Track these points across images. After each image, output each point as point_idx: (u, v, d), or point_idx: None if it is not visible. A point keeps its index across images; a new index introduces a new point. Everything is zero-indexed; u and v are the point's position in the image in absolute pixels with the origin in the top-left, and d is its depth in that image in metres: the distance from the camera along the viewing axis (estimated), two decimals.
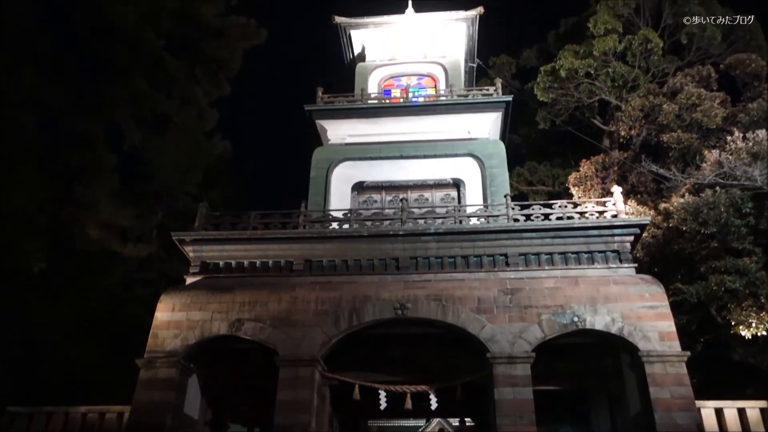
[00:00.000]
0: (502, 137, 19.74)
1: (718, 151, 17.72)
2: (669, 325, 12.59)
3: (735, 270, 15.52)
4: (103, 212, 20.23)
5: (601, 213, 14.58)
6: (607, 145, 25.54)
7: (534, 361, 12.55)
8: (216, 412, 15.13)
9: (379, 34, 23.30)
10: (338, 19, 23.26)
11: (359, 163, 18.61)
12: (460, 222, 14.96)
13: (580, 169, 23.40)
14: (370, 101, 19.84)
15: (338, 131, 19.41)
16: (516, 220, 14.56)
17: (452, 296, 13.38)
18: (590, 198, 20.60)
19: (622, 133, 23.20)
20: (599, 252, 14.07)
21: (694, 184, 17.78)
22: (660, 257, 17.81)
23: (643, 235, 15.50)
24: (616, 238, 14.06)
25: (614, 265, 13.85)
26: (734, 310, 15.21)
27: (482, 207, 15.57)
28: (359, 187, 18.78)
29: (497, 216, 14.86)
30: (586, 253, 14.09)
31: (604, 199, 15.29)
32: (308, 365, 12.96)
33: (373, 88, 21.73)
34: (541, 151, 30.10)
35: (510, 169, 20.85)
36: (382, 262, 14.54)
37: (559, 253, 14.13)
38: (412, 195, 18.49)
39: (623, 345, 12.90)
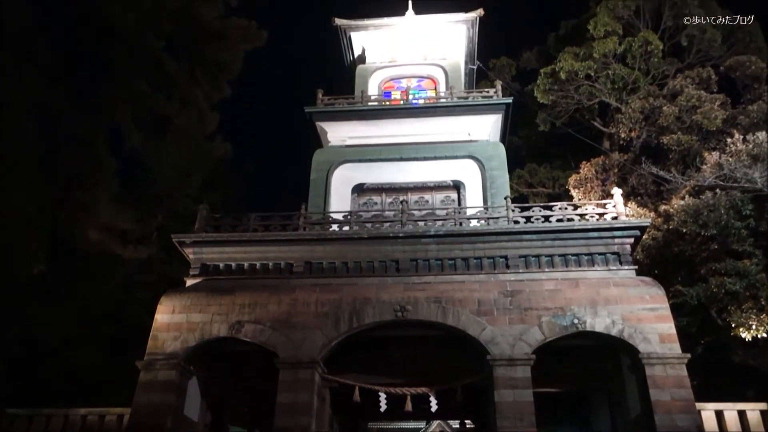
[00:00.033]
0: (502, 139, 19.75)
1: (718, 153, 17.71)
2: (669, 327, 12.58)
3: (735, 272, 15.50)
4: (103, 214, 20.24)
5: (601, 215, 14.59)
6: (607, 147, 25.53)
7: (534, 363, 12.54)
8: (216, 415, 15.12)
9: (379, 36, 23.32)
10: (338, 21, 23.29)
11: (359, 165, 18.61)
12: (460, 224, 14.95)
13: (581, 171, 23.40)
14: (370, 103, 19.85)
15: (338, 133, 19.42)
16: (516, 222, 14.56)
17: (452, 298, 13.37)
18: (590, 200, 20.60)
19: (623, 135, 23.19)
20: (599, 254, 14.08)
21: (694, 186, 17.78)
22: (660, 259, 17.80)
23: (644, 237, 15.49)
24: (617, 240, 14.06)
25: (614, 267, 13.85)
26: (734, 313, 15.19)
27: (482, 209, 15.57)
28: (359, 189, 18.79)
29: (497, 218, 14.86)
30: (586, 255, 14.09)
31: (604, 201, 15.29)
32: (308, 367, 12.95)
33: (373, 90, 21.75)
34: (541, 153, 30.10)
35: (510, 171, 20.86)
36: (382, 264, 14.54)
37: (560, 255, 14.13)
38: (412, 197, 18.50)
39: (623, 347, 12.89)
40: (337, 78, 24.94)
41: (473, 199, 17.70)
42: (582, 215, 14.65)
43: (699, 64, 24.13)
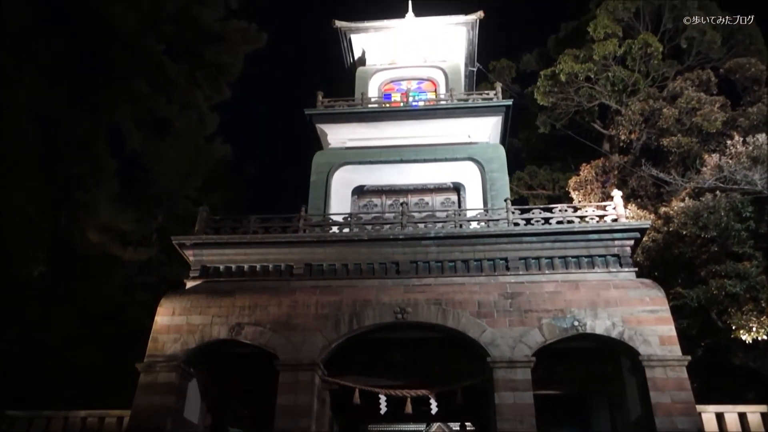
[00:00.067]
0: (503, 141, 19.75)
1: (718, 155, 17.72)
2: (669, 330, 12.58)
3: (735, 274, 15.51)
4: (103, 216, 20.24)
5: (601, 217, 14.59)
6: (607, 149, 25.54)
7: (534, 365, 12.53)
8: (216, 417, 15.10)
9: (380, 38, 23.33)
10: (338, 24, 23.30)
11: (359, 167, 18.61)
12: (461, 226, 14.95)
13: (581, 173, 23.41)
14: (370, 105, 19.85)
15: (338, 135, 19.42)
16: (516, 224, 14.56)
17: (452, 300, 13.37)
18: (590, 202, 20.56)
19: (622, 137, 23.20)
20: (599, 256, 14.08)
21: (694, 188, 17.78)
22: (660, 261, 17.80)
23: (644, 239, 15.50)
24: (617, 242, 14.07)
25: (614, 269, 13.85)
26: (735, 315, 15.19)
27: (482, 211, 15.57)
28: (359, 191, 18.79)
29: (497, 220, 14.86)
30: (586, 257, 14.09)
31: (604, 203, 15.28)
32: (308, 369, 12.94)
33: (373, 92, 21.76)
34: (541, 155, 30.11)
35: (510, 173, 20.86)
36: (383, 266, 14.54)
37: (560, 257, 14.13)
38: (413, 199, 18.49)
39: (624, 349, 12.89)
40: (337, 80, 24.98)
41: (473, 201, 17.69)
42: (582, 217, 14.65)
43: (699, 66, 24.14)
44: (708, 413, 12.54)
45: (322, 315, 13.49)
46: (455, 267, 14.36)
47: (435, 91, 21.92)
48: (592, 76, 24.19)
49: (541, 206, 15.30)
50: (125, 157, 21.83)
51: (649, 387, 12.00)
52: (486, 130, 19.05)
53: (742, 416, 12.62)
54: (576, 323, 12.77)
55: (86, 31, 19.20)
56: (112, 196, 20.63)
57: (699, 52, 24.85)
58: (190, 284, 14.70)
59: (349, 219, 15.66)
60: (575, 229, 14.12)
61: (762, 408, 12.69)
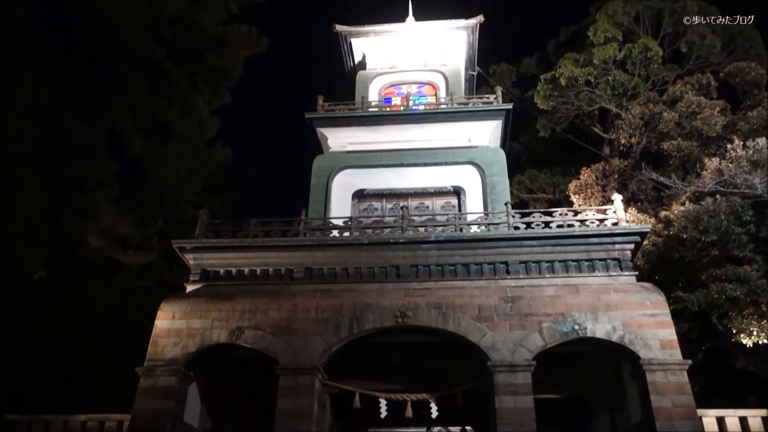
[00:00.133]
0: (503, 145, 19.78)
1: (718, 159, 17.74)
2: (670, 333, 12.58)
3: (736, 278, 15.50)
4: (103, 220, 20.23)
5: (601, 221, 14.59)
6: (607, 153, 25.57)
7: (535, 369, 12.53)
8: (216, 421, 15.09)
9: (380, 42, 23.38)
10: (339, 28, 23.35)
11: (360, 171, 18.63)
12: (461, 230, 14.97)
13: (581, 176, 23.42)
14: (370, 109, 19.89)
15: (339, 139, 19.44)
16: (516, 227, 14.57)
17: (453, 304, 13.37)
18: (590, 206, 20.59)
19: (623, 141, 23.22)
20: (600, 260, 14.08)
21: (694, 192, 17.78)
22: (660, 265, 17.79)
23: (644, 243, 15.50)
24: (617, 246, 14.07)
25: (615, 273, 13.85)
26: (735, 318, 15.18)
27: (483, 215, 15.57)
28: (360, 195, 18.79)
29: (498, 224, 14.86)
30: (586, 260, 14.09)
31: (604, 207, 15.29)
32: (308, 373, 12.94)
33: (373, 96, 21.79)
34: (541, 159, 30.14)
35: (510, 176, 20.87)
36: (383, 270, 14.54)
37: (560, 261, 14.14)
38: (413, 203, 18.49)
39: (624, 353, 12.88)
40: (338, 84, 24.99)
41: (473, 204, 17.69)
42: (582, 221, 14.65)
43: (699, 70, 24.19)
44: (709, 417, 12.52)
45: (322, 319, 13.49)
46: (455, 271, 14.36)
47: (435, 95, 21.95)
48: (593, 80, 24.22)
49: (542, 210, 15.31)
50: (126, 160, 21.84)
51: (650, 391, 12.00)
52: (486, 133, 19.07)
53: (743, 420, 12.60)
54: (576, 327, 12.77)
55: (86, 33, 19.22)
56: (113, 200, 20.62)
57: (699, 56, 24.90)
58: (190, 288, 14.71)
59: (349, 223, 15.66)
60: (575, 233, 14.13)
61: (763, 412, 12.67)
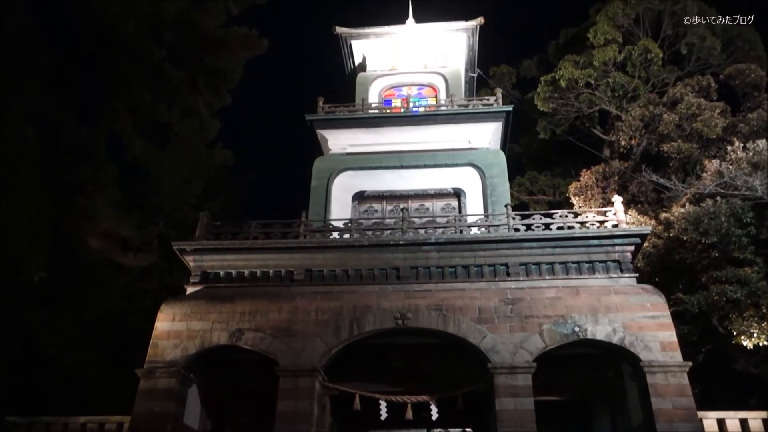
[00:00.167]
0: (503, 147, 19.78)
1: (718, 160, 17.75)
2: (670, 335, 12.57)
3: (736, 280, 15.50)
4: (104, 222, 20.25)
5: (601, 223, 14.59)
6: (607, 155, 25.57)
7: (535, 371, 12.51)
8: (216, 423, 15.07)
9: (380, 44, 23.40)
10: (339, 30, 23.36)
11: (360, 173, 18.64)
12: (461, 232, 14.96)
13: (581, 178, 23.43)
14: (370, 111, 19.89)
15: (339, 141, 19.45)
16: (517, 229, 14.56)
17: (453, 306, 13.36)
18: (591, 208, 20.60)
19: (623, 143, 23.23)
20: (600, 262, 14.07)
21: (694, 193, 17.79)
22: (661, 267, 17.79)
23: (644, 244, 15.49)
24: (617, 248, 14.06)
25: (615, 275, 13.84)
26: (736, 320, 15.17)
27: (483, 217, 15.57)
28: (360, 197, 18.80)
29: (498, 226, 14.86)
30: (587, 262, 14.08)
31: (604, 209, 15.29)
32: (308, 375, 12.92)
33: (373, 97, 21.79)
34: (541, 161, 30.16)
35: (510, 178, 20.88)
36: (383, 272, 14.53)
37: (560, 263, 14.12)
38: (413, 204, 18.50)
39: (625, 355, 12.87)
40: (338, 86, 25.02)
41: (474, 206, 17.70)
42: (582, 223, 14.64)
43: (699, 72, 24.21)
44: (709, 419, 12.51)
45: (322, 321, 13.48)
46: (456, 273, 14.35)
47: (435, 96, 21.96)
48: (593, 82, 24.24)
49: (542, 212, 15.30)
50: (126, 162, 21.85)
51: (651, 393, 11.98)
52: (486, 135, 19.08)
53: (744, 422, 12.58)
54: (577, 329, 12.76)
55: (86, 34, 19.25)
56: (113, 202, 20.64)
57: (699, 58, 24.91)
58: (190, 290, 14.70)
59: (349, 224, 15.66)
60: (576, 235, 14.12)
61: (763, 414, 12.65)
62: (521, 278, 14.01)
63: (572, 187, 23.61)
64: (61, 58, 18.89)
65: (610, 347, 12.88)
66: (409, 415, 13.43)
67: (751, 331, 14.86)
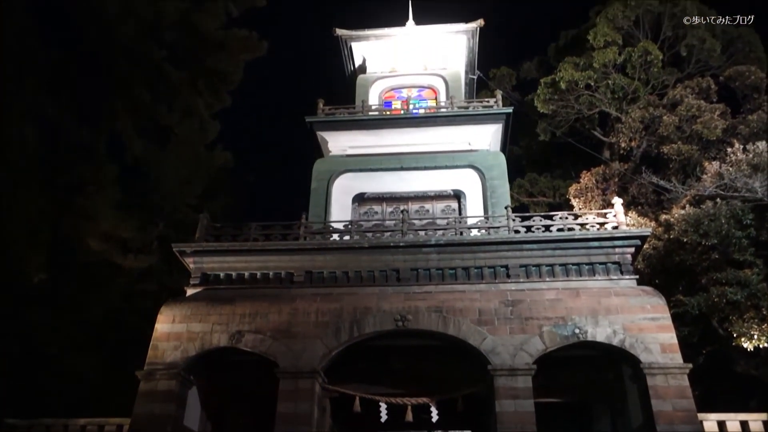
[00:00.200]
0: (503, 149, 19.78)
1: (718, 162, 17.75)
2: (671, 337, 12.56)
3: (736, 282, 15.49)
4: (104, 223, 20.27)
5: (601, 224, 14.59)
6: (607, 157, 25.57)
7: (535, 373, 12.50)
8: (216, 425, 15.05)
9: (380, 46, 23.41)
10: (339, 32, 23.37)
11: (360, 175, 18.63)
12: (461, 233, 14.95)
13: (581, 180, 23.42)
14: (370, 113, 19.89)
15: (339, 143, 19.45)
16: (517, 231, 14.56)
17: (453, 308, 13.35)
18: (591, 209, 20.59)
19: (623, 145, 23.24)
20: (600, 263, 14.06)
21: (694, 195, 17.79)
22: (661, 269, 17.78)
23: (644, 246, 15.48)
24: (617, 250, 14.05)
25: (615, 277, 13.83)
26: (736, 322, 15.17)
27: (483, 218, 15.57)
28: (360, 199, 18.80)
29: (498, 227, 14.86)
30: (587, 264, 14.08)
31: (604, 211, 15.30)
32: (309, 377, 12.91)
33: (373, 99, 21.80)
34: (541, 163, 30.16)
35: (510, 180, 20.87)
36: (383, 274, 14.52)
37: (560, 265, 14.12)
38: (413, 206, 18.50)
39: (625, 357, 12.86)
40: (338, 88, 25.04)
41: (474, 208, 17.70)
42: (583, 225, 14.65)
43: (699, 74, 24.22)
44: (710, 421, 12.49)
45: (322, 322, 13.47)
46: (456, 274, 14.34)
47: (435, 98, 21.96)
48: (592, 84, 24.26)
49: (542, 214, 15.29)
50: (126, 163, 21.87)
51: (651, 395, 11.97)
52: (486, 137, 19.08)
53: (744, 424, 12.56)
54: (577, 331, 12.75)
55: (86, 36, 19.26)
56: (113, 203, 20.66)
57: (699, 60, 24.93)
58: (190, 292, 14.69)
59: (349, 226, 15.65)
60: (576, 237, 14.11)
61: (764, 416, 12.63)
62: (521, 280, 14.00)
63: (572, 189, 23.60)
64: (61, 58, 18.91)
65: (610, 349, 12.87)
66: (409, 417, 13.43)
67: (752, 332, 14.85)
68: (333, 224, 16.05)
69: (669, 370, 12.17)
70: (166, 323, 13.75)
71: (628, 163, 23.47)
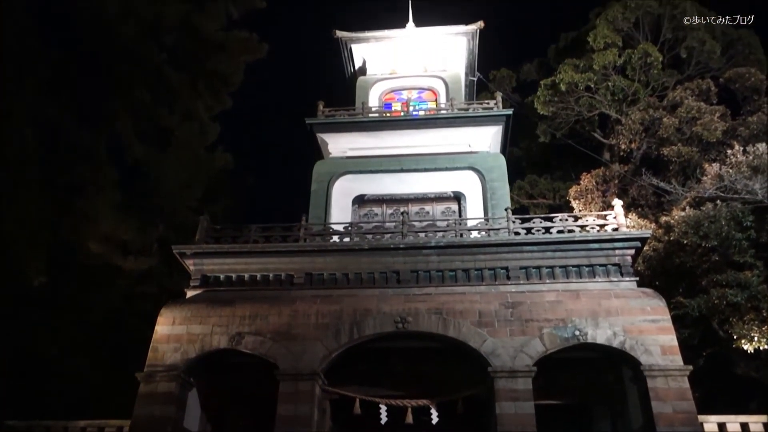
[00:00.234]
0: (503, 150, 19.77)
1: (718, 164, 17.76)
2: (671, 339, 12.55)
3: (736, 283, 15.49)
4: (104, 225, 20.26)
5: (602, 226, 14.58)
6: (607, 159, 25.58)
7: (535, 375, 12.49)
8: (216, 427, 15.04)
9: (380, 48, 23.41)
10: (339, 34, 23.39)
11: (360, 177, 18.63)
12: (461, 235, 14.94)
13: (581, 182, 23.42)
14: (371, 115, 19.89)
15: (339, 144, 19.45)
16: (517, 233, 14.55)
17: (453, 310, 13.34)
18: (591, 211, 20.59)
19: (623, 147, 23.25)
20: (600, 265, 14.06)
21: (694, 197, 17.79)
22: (661, 270, 17.78)
23: (644, 248, 15.48)
24: (617, 252, 14.05)
25: (615, 279, 13.82)
26: (736, 324, 15.16)
27: (483, 220, 15.57)
28: (360, 201, 18.80)
29: (498, 229, 14.85)
30: (587, 266, 14.07)
31: (604, 213, 15.29)
32: (309, 379, 12.90)
33: (373, 101, 21.81)
34: (541, 164, 30.16)
35: (510, 182, 20.87)
36: (383, 276, 14.52)
37: (560, 267, 14.11)
38: (413, 208, 18.49)
39: (625, 359, 12.85)
40: (338, 89, 25.07)
41: (474, 210, 17.69)
42: (583, 227, 14.64)
43: (698, 75, 24.24)
44: (710, 423, 12.48)
45: (322, 324, 13.47)
46: (456, 276, 14.34)
47: (435, 100, 21.96)
48: (592, 86, 24.27)
49: (542, 215, 15.30)
50: (126, 165, 21.88)
51: (651, 397, 11.95)
52: (486, 139, 19.08)
53: (744, 426, 12.56)
54: (577, 333, 12.74)
55: (87, 39, 19.29)
56: (113, 205, 20.65)
57: (699, 62, 24.95)
58: (190, 294, 14.68)
59: (349, 228, 15.65)
60: (576, 239, 14.11)
61: (764, 418, 12.63)
62: (521, 282, 14.00)
63: (572, 191, 23.60)
64: (61, 59, 18.93)
65: (610, 351, 12.86)
66: (410, 419, 13.41)
67: (752, 334, 14.86)
68: (333, 226, 16.04)
69: (669, 372, 12.15)
70: (166, 325, 13.74)
71: (628, 165, 23.48)
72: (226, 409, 15.18)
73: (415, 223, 15.95)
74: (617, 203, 15.13)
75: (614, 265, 14.01)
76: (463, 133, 18.98)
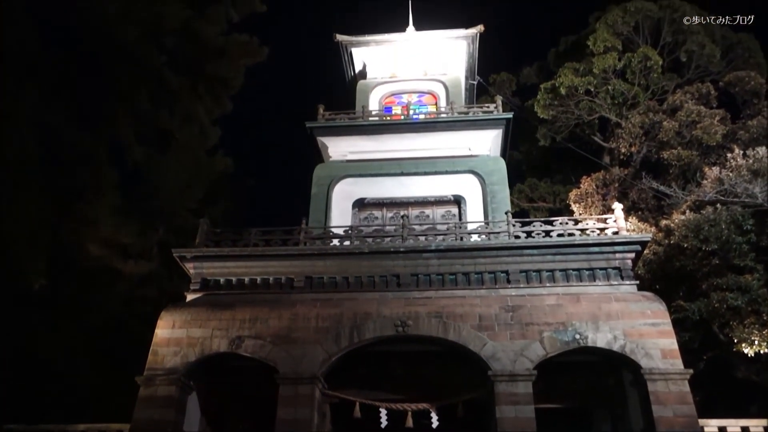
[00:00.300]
0: (503, 154, 19.79)
1: (718, 168, 17.79)
2: (671, 343, 12.54)
3: (737, 287, 15.49)
4: (104, 229, 20.26)
5: (602, 230, 14.57)
6: (607, 162, 25.60)
7: (536, 378, 12.48)
8: (216, 430, 15.01)
9: (380, 51, 23.44)
10: (339, 37, 23.42)
11: (360, 180, 18.63)
12: (461, 239, 14.95)
13: (581, 185, 23.45)
14: (371, 118, 19.91)
15: (339, 148, 19.46)
16: (517, 236, 14.55)
17: (453, 313, 13.34)
18: (591, 215, 20.61)
19: (623, 150, 23.27)
20: (600, 269, 14.05)
21: (694, 200, 17.81)
22: (661, 274, 17.78)
23: (645, 252, 15.49)
24: (618, 255, 14.04)
25: (616, 282, 13.82)
26: (737, 328, 15.16)
27: (483, 224, 15.56)
28: (360, 204, 18.78)
29: (498, 233, 14.85)
30: (587, 270, 14.07)
31: (605, 216, 15.28)
32: (308, 383, 12.89)
33: (374, 105, 21.82)
34: (541, 168, 30.19)
35: (511, 185, 20.88)
36: (383, 279, 14.52)
37: (561, 270, 14.11)
38: (413, 212, 18.47)
39: (625, 363, 12.83)
40: (338, 93, 25.08)
41: (474, 213, 17.68)
42: (583, 230, 14.63)
43: (698, 79, 24.28)
44: (710, 427, 12.45)
45: (322, 328, 13.46)
46: (456, 280, 14.33)
47: (435, 104, 21.97)
48: (592, 90, 24.31)
49: (542, 219, 15.29)
50: (126, 169, 21.88)
51: (651, 401, 11.95)
52: (486, 143, 19.09)
53: (745, 430, 12.53)
54: (577, 336, 12.73)
55: (87, 43, 19.30)
56: (113, 209, 20.64)
57: (698, 66, 25.01)
58: (190, 297, 14.68)
59: (349, 232, 15.65)
60: (576, 242, 14.11)
61: (764, 422, 12.60)
62: (522, 285, 14.00)
63: (572, 194, 23.62)
64: (61, 61, 18.94)
65: (610, 355, 12.85)
66: (410, 422, 13.38)
67: (752, 338, 14.86)
68: (333, 229, 16.04)
69: (670, 376, 12.15)
70: (166, 328, 13.73)
71: (628, 169, 23.50)
72: (226, 412, 15.16)
73: (416, 227, 15.96)
74: (617, 207, 15.12)
75: (614, 268, 14.01)
76: (463, 137, 19.00)
